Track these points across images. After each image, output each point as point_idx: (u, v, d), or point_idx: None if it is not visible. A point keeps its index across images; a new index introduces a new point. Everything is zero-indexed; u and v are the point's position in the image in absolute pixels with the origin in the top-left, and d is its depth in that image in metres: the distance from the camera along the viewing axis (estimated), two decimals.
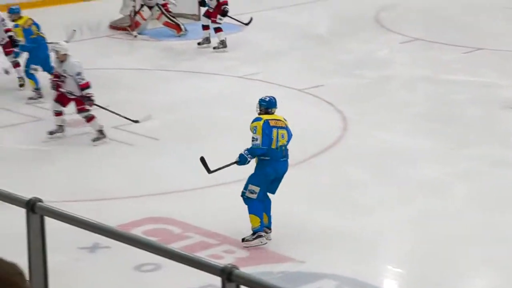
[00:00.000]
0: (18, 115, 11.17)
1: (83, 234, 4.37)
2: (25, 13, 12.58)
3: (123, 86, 12.41)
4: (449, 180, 9.19)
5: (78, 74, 10.18)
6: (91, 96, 10.18)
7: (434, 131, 10.61)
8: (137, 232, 7.85)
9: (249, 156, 7.97)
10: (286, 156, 8.09)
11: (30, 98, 11.74)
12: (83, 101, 10.19)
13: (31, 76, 11.86)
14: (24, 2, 15.27)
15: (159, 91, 12.21)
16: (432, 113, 11.40)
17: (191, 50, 14.37)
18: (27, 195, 3.24)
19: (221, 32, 14.05)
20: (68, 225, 3.19)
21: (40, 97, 11.67)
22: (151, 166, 9.66)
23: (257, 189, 7.91)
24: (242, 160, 8.00)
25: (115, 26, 15.48)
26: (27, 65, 11.91)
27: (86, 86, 10.18)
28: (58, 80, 10.24)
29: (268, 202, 8.04)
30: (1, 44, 12.27)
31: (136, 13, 15.02)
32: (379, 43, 14.49)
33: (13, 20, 12.10)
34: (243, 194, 7.97)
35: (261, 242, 7.90)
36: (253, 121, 8.05)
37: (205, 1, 14.28)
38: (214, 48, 14.05)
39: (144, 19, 15.06)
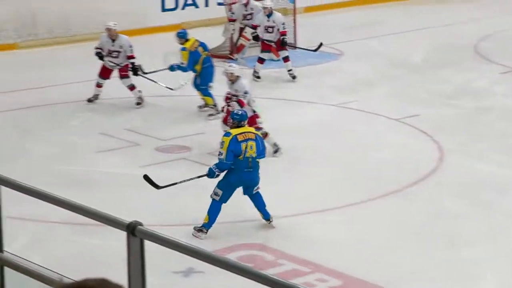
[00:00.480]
0: (117, 140, 11.40)
1: (177, 258, 4.42)
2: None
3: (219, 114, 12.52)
4: None
5: (246, 93, 10.70)
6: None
7: None
8: (230, 257, 7.89)
9: (217, 170, 8.66)
10: (254, 167, 8.66)
11: (210, 115, 12.18)
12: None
13: (208, 94, 12.27)
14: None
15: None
16: None
17: (286, 78, 14.42)
18: (124, 218, 3.30)
19: (288, 62, 14.10)
20: (163, 249, 3.24)
21: (218, 113, 11.95)
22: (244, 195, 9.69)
23: (220, 192, 8.63)
24: (210, 174, 8.69)
25: (213, 54, 15.67)
26: (202, 84, 12.33)
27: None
28: (229, 101, 10.70)
29: (256, 200, 8.70)
30: (120, 67, 12.71)
31: (239, 35, 15.18)
32: (478, 73, 14.28)
33: (181, 44, 12.56)
34: (211, 195, 8.63)
35: (200, 237, 8.50)
36: (223, 136, 8.79)
37: (257, 36, 14.23)
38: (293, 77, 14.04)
39: (248, 40, 15.21)
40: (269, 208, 9.22)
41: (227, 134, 8.77)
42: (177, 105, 12.78)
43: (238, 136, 8.61)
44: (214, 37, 15.99)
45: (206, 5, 18.10)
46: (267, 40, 14.22)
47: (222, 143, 8.65)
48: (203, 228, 8.59)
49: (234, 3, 15.69)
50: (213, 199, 8.63)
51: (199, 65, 12.48)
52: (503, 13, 17.90)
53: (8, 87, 13.49)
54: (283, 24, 14.23)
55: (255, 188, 8.76)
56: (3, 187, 3.69)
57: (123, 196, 9.56)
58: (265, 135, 10.30)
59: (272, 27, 14.10)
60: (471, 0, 19.43)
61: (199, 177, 8.84)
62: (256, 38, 14.36)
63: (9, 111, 12.54)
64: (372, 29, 17.91)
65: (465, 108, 12.52)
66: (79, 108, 12.77)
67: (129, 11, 17.31)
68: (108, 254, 7.66)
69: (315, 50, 14.57)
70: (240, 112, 9.00)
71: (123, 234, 3.25)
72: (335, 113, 12.55)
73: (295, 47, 15.09)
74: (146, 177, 8.91)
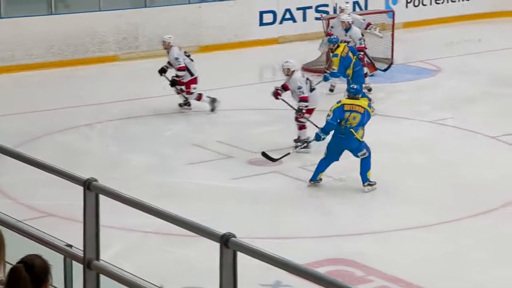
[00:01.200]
0: (210, 152, 11.52)
1: (265, 271, 4.45)
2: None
3: (310, 127, 12.53)
4: None
5: (299, 88, 11.33)
6: (303, 108, 11.35)
7: None
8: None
9: (322, 134, 10.20)
10: (346, 134, 9.96)
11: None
12: (296, 112, 11.46)
13: (364, 95, 12.26)
14: None
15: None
16: None
17: (382, 93, 14.36)
18: (217, 230, 3.35)
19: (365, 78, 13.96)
20: (251, 262, 3.27)
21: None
22: (337, 208, 9.69)
23: (326, 151, 10.20)
24: (316, 138, 10.33)
25: (308, 68, 15.72)
26: (357, 86, 11.87)
27: (304, 99, 11.34)
28: (279, 89, 11.61)
29: (361, 164, 10.00)
30: (183, 81, 12.96)
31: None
32: None
33: (332, 50, 13.31)
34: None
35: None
36: (336, 103, 10.19)
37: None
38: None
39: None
40: (362, 222, 9.19)
41: (338, 101, 10.24)
42: (269, 118, 12.86)
43: (345, 105, 9.99)
44: (310, 52, 16.06)
45: (304, 19, 18.17)
46: None
47: (332, 107, 10.12)
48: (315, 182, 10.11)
49: (332, 18, 15.72)
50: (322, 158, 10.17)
51: (350, 69, 13.03)
52: None
53: (108, 97, 13.82)
54: (361, 39, 14.13)
55: (360, 153, 9.99)
56: (101, 196, 3.79)
57: (215, 208, 9.65)
58: (302, 127, 11.47)
59: (348, 42, 14.05)
60: None
61: (308, 142, 10.76)
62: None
63: (109, 121, 12.84)
64: (471, 46, 17.69)
65: None
66: (173, 119, 12.98)
67: (228, 24, 17.52)
68: (201, 265, 7.75)
69: (384, 70, 14.46)
70: (356, 87, 10.52)
71: (216, 246, 3.30)
72: (431, 129, 12.42)
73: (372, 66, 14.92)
74: (263, 154, 10.55)
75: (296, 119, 11.53)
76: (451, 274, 8.09)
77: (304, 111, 11.42)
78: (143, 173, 10.75)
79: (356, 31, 14.21)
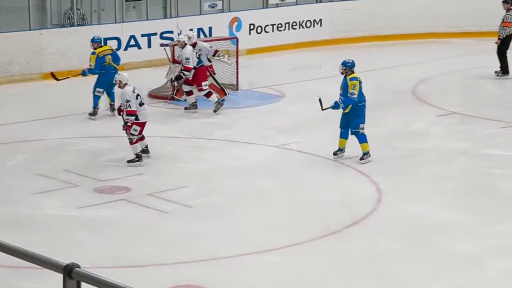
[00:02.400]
0: (56, 181, 11.32)
1: None
2: None
3: (160, 153, 12.56)
4: (483, 255, 9.12)
5: (127, 101, 11.77)
6: (129, 121, 11.89)
7: (469, 205, 10.58)
8: None
9: (342, 104, 11.88)
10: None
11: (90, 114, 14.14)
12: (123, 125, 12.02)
13: (98, 98, 14.08)
14: None
15: (194, 160, 12.34)
16: (467, 187, 11.39)
17: (229, 119, 14.54)
18: (61, 260, 3.31)
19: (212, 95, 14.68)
20: None
21: (96, 115, 14.07)
22: (185, 233, 9.71)
23: (364, 126, 11.85)
24: (335, 106, 11.94)
25: (154, 95, 15.73)
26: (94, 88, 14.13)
27: (131, 113, 11.86)
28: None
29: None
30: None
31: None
32: (416, 116, 14.55)
33: (94, 48, 14.36)
34: (356, 133, 11.91)
35: (369, 161, 11.92)
36: (352, 79, 11.79)
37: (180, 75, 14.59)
38: (186, 108, 14.79)
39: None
40: (210, 248, 9.23)
41: (355, 78, 11.81)
42: (116, 146, 12.78)
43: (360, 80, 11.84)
44: (156, 78, 16.08)
45: (149, 46, 18.18)
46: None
47: (354, 85, 11.71)
48: (368, 155, 11.90)
49: (177, 44, 15.81)
50: (361, 133, 11.90)
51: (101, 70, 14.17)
52: (440, 58, 18.30)
53: None
54: (188, 60, 14.52)
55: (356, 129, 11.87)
56: None
57: (62, 238, 9.49)
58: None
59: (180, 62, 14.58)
60: (407, 45, 19.85)
61: (325, 109, 12.04)
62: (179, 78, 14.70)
63: None
64: (312, 72, 18.21)
65: (403, 150, 12.73)
66: (15, 149, 12.69)
67: (71, 51, 17.30)
68: None
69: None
70: (350, 61, 11.97)
71: (61, 277, 3.26)
72: (276, 154, 12.66)
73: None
74: (319, 100, 11.98)
75: (123, 127, 12.04)
76: None
77: (129, 124, 11.85)
78: None
79: (185, 51, 14.53)
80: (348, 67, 11.94)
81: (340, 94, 12.05)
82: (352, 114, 12.00)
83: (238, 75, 16.16)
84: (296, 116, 14.52)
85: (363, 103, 11.90)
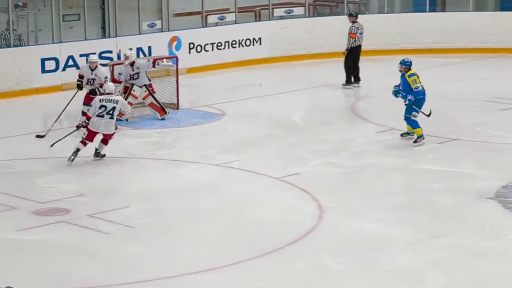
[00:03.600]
0: None
1: None
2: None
3: (99, 174, 12.47)
4: (423, 269, 9.22)
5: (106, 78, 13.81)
6: (81, 124, 13.05)
7: (409, 220, 10.70)
8: None
9: (399, 95, 13.70)
10: None
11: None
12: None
13: None
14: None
15: (135, 180, 12.26)
16: (407, 202, 11.52)
17: (169, 139, 14.51)
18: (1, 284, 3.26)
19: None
20: None
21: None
22: (126, 254, 9.64)
23: (417, 114, 13.61)
24: (403, 96, 13.66)
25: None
26: None
27: (86, 117, 12.89)
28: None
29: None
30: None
31: (128, 94, 15.18)
32: (355, 133, 14.68)
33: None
34: (408, 119, 13.72)
35: (423, 143, 13.68)
36: (411, 76, 13.59)
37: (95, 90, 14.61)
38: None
39: (136, 97, 15.24)
40: (153, 268, 9.17)
41: (414, 74, 13.57)
42: (51, 167, 12.66)
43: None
44: None
45: None
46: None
47: (415, 81, 13.52)
48: (422, 137, 13.65)
49: (117, 64, 15.76)
50: (413, 120, 13.65)
51: None
52: (378, 75, 18.51)
53: None
54: (106, 78, 14.66)
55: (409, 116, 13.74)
56: None
57: (1, 262, 9.33)
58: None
59: (94, 79, 14.70)
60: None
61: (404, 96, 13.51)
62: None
63: None
64: (252, 90, 18.29)
65: (344, 166, 12.82)
66: None
67: (8, 72, 17.12)
68: None
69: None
70: (409, 60, 13.68)
71: None
72: (218, 172, 12.65)
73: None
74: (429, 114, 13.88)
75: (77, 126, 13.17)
76: None
77: (83, 125, 12.86)
78: None
79: (101, 70, 14.74)
80: (407, 65, 13.61)
81: (400, 91, 13.71)
82: (410, 104, 13.65)
83: (179, 94, 16.13)
84: (237, 134, 14.54)
85: (422, 96, 13.59)
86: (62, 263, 9.45)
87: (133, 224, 10.47)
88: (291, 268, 9.27)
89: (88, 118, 12.72)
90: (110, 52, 18.23)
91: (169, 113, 15.33)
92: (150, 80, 15.32)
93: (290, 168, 12.60)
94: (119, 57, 17.75)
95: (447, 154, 13.48)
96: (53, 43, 17.88)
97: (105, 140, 12.92)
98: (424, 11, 21.62)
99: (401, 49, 20.81)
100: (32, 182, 12.10)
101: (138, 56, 17.65)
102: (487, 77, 19.01)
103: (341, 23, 19.24)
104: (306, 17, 21.08)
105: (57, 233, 10.26)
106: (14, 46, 17.60)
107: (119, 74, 15.23)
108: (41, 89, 17.41)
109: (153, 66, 15.33)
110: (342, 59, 18.22)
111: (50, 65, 17.63)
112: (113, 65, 15.81)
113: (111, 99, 12.81)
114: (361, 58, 18.18)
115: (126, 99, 15.30)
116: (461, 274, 9.14)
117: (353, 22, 18.13)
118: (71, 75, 17.74)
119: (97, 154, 12.94)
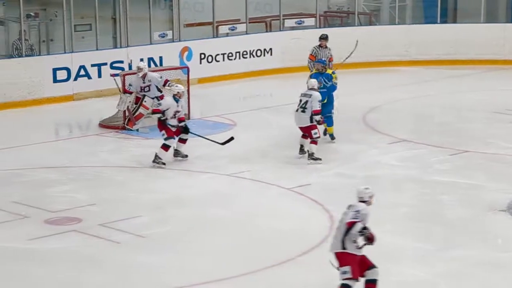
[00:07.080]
0: (5, 213, 11.17)
1: None
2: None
3: (111, 184, 12.48)
4: (434, 281, 9.19)
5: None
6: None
7: (420, 232, 10.67)
8: None
9: None
10: None
11: None
12: None
13: None
14: None
15: (147, 190, 12.27)
16: (418, 213, 11.48)
17: (181, 148, 14.49)
18: None
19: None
20: None
21: None
22: (137, 263, 9.64)
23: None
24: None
25: (105, 125, 15.66)
26: None
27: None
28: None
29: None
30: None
31: (139, 105, 15.24)
32: (367, 144, 14.65)
33: None
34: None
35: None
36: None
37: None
38: None
39: (147, 108, 15.27)
40: (164, 278, 9.16)
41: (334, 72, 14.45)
42: (65, 176, 12.68)
43: None
44: (106, 108, 16.02)
45: (99, 76, 18.10)
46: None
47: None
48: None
49: (128, 74, 15.81)
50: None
51: None
52: (389, 85, 18.50)
53: None
54: (161, 77, 15.02)
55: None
56: None
57: (12, 270, 9.35)
58: None
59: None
60: (357, 73, 20.02)
61: None
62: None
63: None
64: (263, 100, 18.29)
65: (355, 177, 12.79)
66: None
67: (20, 81, 17.17)
68: None
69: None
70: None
71: None
72: (229, 183, 12.65)
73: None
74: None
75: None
76: None
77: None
78: None
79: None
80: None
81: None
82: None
83: (190, 104, 16.15)
84: (248, 145, 14.54)
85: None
86: (73, 272, 9.45)
87: (144, 234, 10.47)
88: (303, 279, 9.25)
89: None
90: (122, 62, 18.28)
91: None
92: (161, 92, 15.34)
93: (301, 179, 12.59)
94: (130, 67, 17.79)
95: (459, 166, 13.45)
96: (64, 53, 17.95)
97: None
98: (435, 22, 21.62)
99: (412, 60, 20.81)
100: (44, 191, 12.12)
101: (149, 66, 17.68)
102: (499, 88, 18.98)
103: (352, 34, 19.24)
104: (317, 28, 21.09)
105: (68, 242, 10.27)
106: (26, 56, 17.68)
107: (130, 85, 15.28)
108: (52, 99, 17.47)
109: (164, 85, 15.29)
110: (351, 70, 18.17)
111: (61, 75, 17.69)
112: (124, 75, 15.85)
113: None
114: (372, 69, 18.15)
115: (137, 110, 15.36)
116: (472, 286, 9.11)
117: (324, 46, 16.84)
118: (83, 84, 17.83)
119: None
